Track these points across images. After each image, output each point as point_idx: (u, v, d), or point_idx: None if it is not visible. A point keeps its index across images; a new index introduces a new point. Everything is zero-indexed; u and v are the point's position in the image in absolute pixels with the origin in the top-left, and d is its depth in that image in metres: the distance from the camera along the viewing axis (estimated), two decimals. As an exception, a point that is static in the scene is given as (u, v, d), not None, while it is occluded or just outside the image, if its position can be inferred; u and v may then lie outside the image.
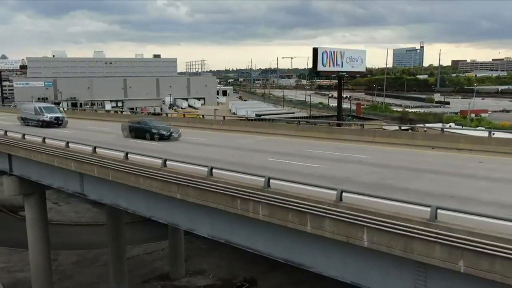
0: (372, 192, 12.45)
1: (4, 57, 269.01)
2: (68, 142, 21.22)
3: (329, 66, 65.42)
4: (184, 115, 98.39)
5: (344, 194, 11.77)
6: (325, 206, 11.66)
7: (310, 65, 64.40)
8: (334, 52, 65.87)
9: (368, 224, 10.82)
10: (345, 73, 68.96)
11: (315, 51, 63.18)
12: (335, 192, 11.77)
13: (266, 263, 36.11)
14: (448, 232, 9.62)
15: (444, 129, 77.49)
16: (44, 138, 22.83)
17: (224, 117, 35.67)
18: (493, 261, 9.10)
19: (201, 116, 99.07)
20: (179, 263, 39.15)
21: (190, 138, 29.02)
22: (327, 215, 11.62)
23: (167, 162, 16.60)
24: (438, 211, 10.16)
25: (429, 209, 10.11)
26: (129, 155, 18.14)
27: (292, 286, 35.69)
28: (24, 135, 24.55)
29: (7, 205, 58.89)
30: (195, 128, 34.58)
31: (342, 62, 66.89)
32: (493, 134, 75.08)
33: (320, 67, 63.98)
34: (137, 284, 37.11)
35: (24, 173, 26.52)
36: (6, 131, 26.35)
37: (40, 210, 29.51)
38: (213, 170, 15.18)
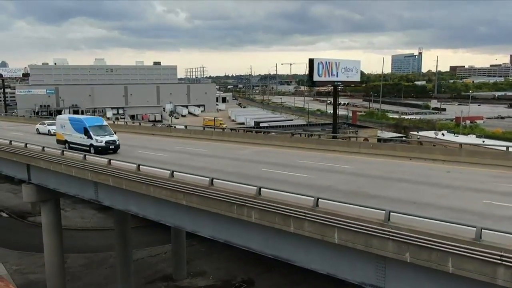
0: (344, 199, 15.14)
1: (4, 63, 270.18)
2: (85, 155, 23.95)
3: (325, 76, 67.51)
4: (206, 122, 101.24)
5: (320, 200, 14.48)
6: (304, 211, 14.37)
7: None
8: (329, 62, 68.02)
9: (338, 225, 13.52)
10: (340, 83, 71.21)
11: (311, 62, 65.48)
12: (312, 199, 14.49)
13: (263, 265, 38.75)
14: (397, 230, 12.31)
15: (436, 137, 79.42)
16: (63, 151, 25.55)
17: (223, 129, 38.38)
18: (430, 253, 11.77)
19: (222, 121, 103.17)
20: (181, 265, 41.63)
21: (193, 149, 31.61)
22: (306, 218, 14.33)
23: (174, 173, 19.31)
24: (392, 214, 12.86)
25: (383, 212, 12.82)
26: (140, 167, 20.85)
27: (287, 285, 38.17)
28: (44, 147, 27.23)
29: (16, 211, 61.52)
30: (196, 139, 37.18)
31: (338, 72, 68.89)
32: (483, 141, 77.51)
33: (316, 77, 66.01)
34: (142, 285, 39.59)
35: (42, 182, 29.17)
36: (26, 144, 29.04)
37: (55, 215, 32.13)
38: (214, 180, 17.87)
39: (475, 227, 11.27)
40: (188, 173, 19.20)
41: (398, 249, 12.36)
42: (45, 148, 27.09)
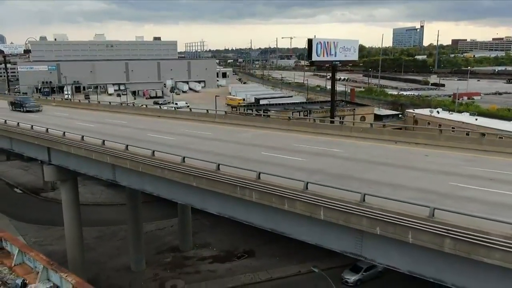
0: (331, 182, 18.08)
1: (1, 37, 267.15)
2: (104, 140, 26.79)
3: (323, 56, 69.22)
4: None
5: (309, 184, 17.41)
6: (296, 193, 17.34)
7: (309, 46, 68.11)
8: (328, 42, 69.58)
9: (323, 205, 16.49)
10: (338, 62, 72.96)
11: (309, 42, 67.17)
12: (303, 183, 17.43)
13: (263, 237, 42.23)
14: (370, 209, 15.26)
15: (431, 115, 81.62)
16: (82, 136, 28.36)
17: (226, 111, 41.06)
18: (395, 227, 14.75)
19: (241, 100, 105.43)
20: (187, 237, 45.18)
21: (198, 132, 34.29)
22: (298, 198, 17.30)
23: (185, 159, 22.19)
24: (366, 196, 15.80)
25: (360, 194, 15.76)
26: (155, 152, 23.72)
27: (284, 256, 41.75)
28: (64, 132, 30.05)
29: (28, 187, 64.90)
30: (200, 121, 39.77)
31: (336, 52, 70.53)
32: (476, 119, 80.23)
33: (314, 57, 67.74)
34: (152, 255, 43.23)
35: (62, 163, 32.09)
36: (47, 129, 31.81)
37: (74, 193, 35.27)
38: (220, 166, 20.76)
39: (429, 207, 14.19)
40: (197, 159, 22.04)
41: (370, 224, 15.35)
42: (66, 133, 29.89)
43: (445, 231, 13.57)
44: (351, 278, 36.55)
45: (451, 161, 23.96)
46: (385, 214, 14.77)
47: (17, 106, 51.00)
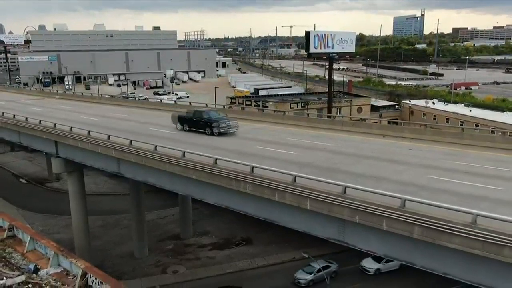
0: (319, 175, 19.87)
1: (0, 26, 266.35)
2: (109, 136, 28.54)
3: (321, 48, 70.30)
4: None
5: (297, 177, 19.22)
6: (286, 185, 19.12)
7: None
8: (325, 34, 70.65)
9: (309, 196, 18.30)
10: (335, 54, 74.02)
11: (307, 34, 68.29)
12: (292, 176, 19.23)
13: (260, 226, 44.13)
14: (351, 200, 17.08)
15: (427, 106, 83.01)
16: (89, 132, 30.10)
17: (224, 106, 42.75)
18: (372, 217, 16.59)
19: (248, 92, 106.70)
20: (188, 226, 47.18)
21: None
22: (287, 190, 19.11)
23: (185, 154, 23.98)
24: (348, 188, 17.62)
25: (341, 187, 17.58)
26: (157, 147, 25.50)
27: (280, 243, 43.77)
28: (71, 128, 31.81)
29: (34, 177, 66.75)
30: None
31: (333, 44, 71.62)
32: (470, 110, 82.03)
33: (312, 49, 68.71)
34: (154, 243, 45.25)
35: (69, 156, 33.90)
36: (55, 124, 33.52)
37: (80, 184, 37.14)
38: (217, 160, 22.53)
39: (400, 198, 16.01)
40: (196, 153, 23.80)
41: (351, 213, 17.18)
42: (73, 129, 31.66)
43: (414, 220, 15.40)
44: (304, 278, 35.11)
45: (432, 155, 25.69)
46: (363, 204, 16.59)
47: (196, 125, 32.02)
